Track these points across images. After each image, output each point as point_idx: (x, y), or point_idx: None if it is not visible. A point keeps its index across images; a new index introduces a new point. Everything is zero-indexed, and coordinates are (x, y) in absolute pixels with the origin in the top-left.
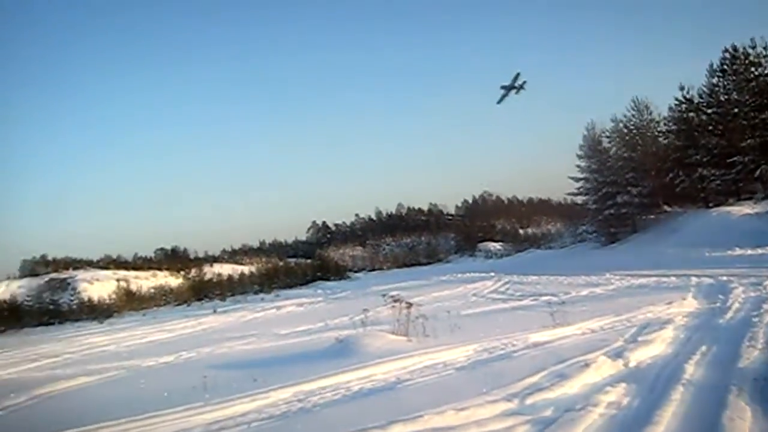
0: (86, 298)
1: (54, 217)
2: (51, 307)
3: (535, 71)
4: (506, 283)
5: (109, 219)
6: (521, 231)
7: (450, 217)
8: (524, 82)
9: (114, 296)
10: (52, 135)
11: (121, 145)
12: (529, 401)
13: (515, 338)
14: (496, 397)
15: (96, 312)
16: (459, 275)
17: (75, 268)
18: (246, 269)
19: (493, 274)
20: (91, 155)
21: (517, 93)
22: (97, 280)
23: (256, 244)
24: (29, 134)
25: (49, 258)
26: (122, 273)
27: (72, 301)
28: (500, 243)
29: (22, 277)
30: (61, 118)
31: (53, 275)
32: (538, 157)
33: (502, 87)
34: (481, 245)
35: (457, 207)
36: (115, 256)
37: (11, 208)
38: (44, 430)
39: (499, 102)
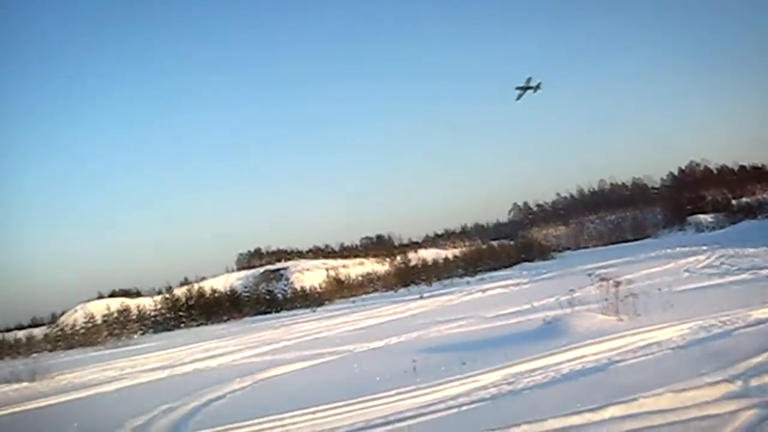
0: (298, 288)
1: (266, 210)
2: (267, 297)
3: None
4: (720, 257)
5: (315, 209)
6: (734, 201)
7: (655, 191)
8: (539, 84)
9: (324, 285)
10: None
11: (329, 139)
12: (754, 383)
13: (734, 315)
14: (716, 378)
15: (308, 300)
16: (668, 250)
17: (286, 260)
18: (449, 253)
19: (705, 248)
20: (300, 151)
21: (534, 92)
22: (308, 270)
23: (458, 228)
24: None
25: (263, 251)
26: (331, 262)
27: (286, 290)
28: (711, 215)
29: (239, 269)
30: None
31: (267, 267)
32: (747, 119)
33: (517, 88)
34: (691, 218)
35: (662, 179)
36: (322, 246)
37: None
38: (264, 411)
39: (517, 99)
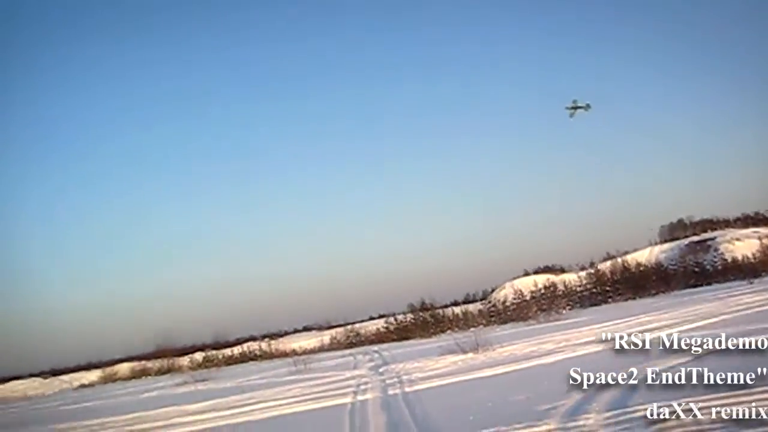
0: (729, 259)
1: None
2: (695, 269)
3: None
4: None
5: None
6: None
7: None
8: (588, 104)
9: (758, 254)
10: None
11: None
12: None
13: None
14: None
15: (742, 272)
16: None
17: (712, 229)
18: None
19: None
20: None
21: (586, 111)
22: (737, 240)
23: None
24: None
25: (686, 221)
26: (764, 230)
27: (715, 262)
28: None
29: (662, 242)
30: None
31: (692, 238)
32: None
33: (567, 108)
34: None
35: None
36: (752, 213)
37: None
38: None
39: (570, 117)
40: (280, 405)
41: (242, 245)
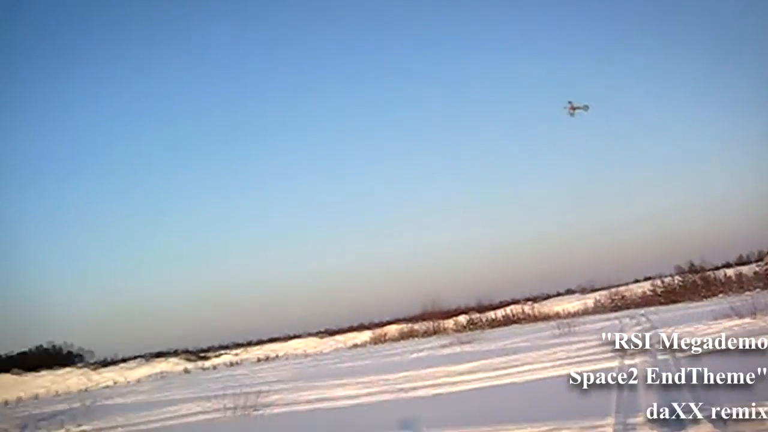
0: None
1: None
2: None
3: None
4: None
5: None
6: None
7: None
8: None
9: None
10: None
11: None
12: None
13: None
14: None
15: None
16: None
17: None
18: None
19: None
20: None
21: (586, 112)
22: None
23: None
24: None
25: None
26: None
27: None
28: None
29: None
30: None
31: None
32: None
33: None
34: None
35: None
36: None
37: None
38: None
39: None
40: (545, 367)
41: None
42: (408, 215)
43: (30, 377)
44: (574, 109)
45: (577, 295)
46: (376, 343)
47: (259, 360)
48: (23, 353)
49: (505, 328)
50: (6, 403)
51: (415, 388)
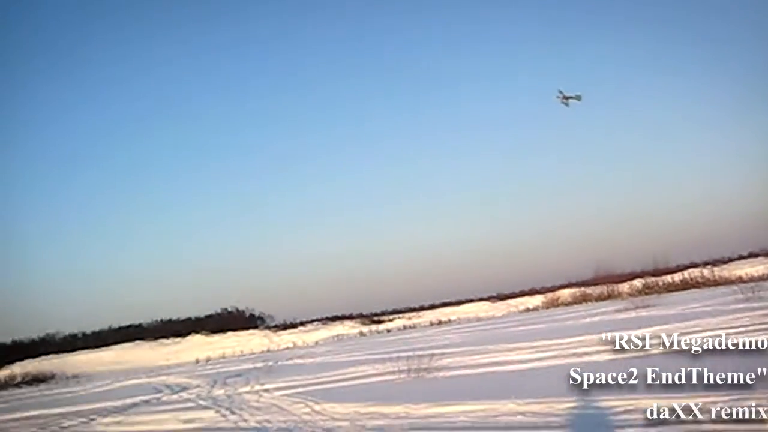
0: None
1: None
2: None
3: None
4: None
5: None
6: None
7: None
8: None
9: None
10: None
11: None
12: None
13: None
14: None
15: None
16: None
17: None
18: None
19: None
20: None
21: (579, 102)
22: None
23: None
24: None
25: None
26: None
27: None
28: None
29: None
30: None
31: None
32: None
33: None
34: None
35: None
36: None
37: None
38: None
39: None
40: (729, 334)
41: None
42: (588, 179)
43: (217, 338)
44: (566, 98)
45: (761, 258)
46: (548, 308)
47: (431, 324)
48: (210, 316)
49: (683, 293)
50: (197, 361)
51: (588, 353)
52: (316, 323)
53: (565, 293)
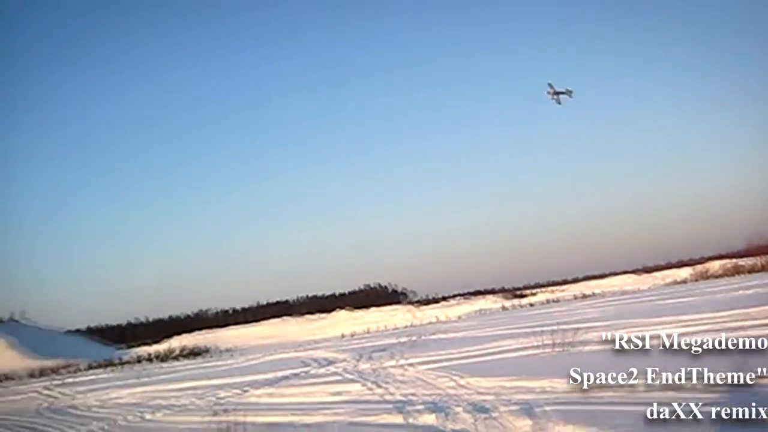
0: None
1: None
2: None
3: None
4: None
5: None
6: None
7: None
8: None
9: None
10: None
11: None
12: None
13: None
14: None
15: None
16: None
17: None
18: None
19: None
20: None
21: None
22: None
23: None
24: None
25: None
26: None
27: None
28: None
29: None
30: None
31: None
32: None
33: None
34: None
35: None
36: None
37: None
38: None
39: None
40: None
41: None
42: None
43: (361, 314)
44: (557, 94)
45: None
46: (696, 280)
47: (575, 297)
48: (354, 292)
49: None
50: (342, 336)
51: (743, 328)
52: (458, 298)
53: (715, 265)
